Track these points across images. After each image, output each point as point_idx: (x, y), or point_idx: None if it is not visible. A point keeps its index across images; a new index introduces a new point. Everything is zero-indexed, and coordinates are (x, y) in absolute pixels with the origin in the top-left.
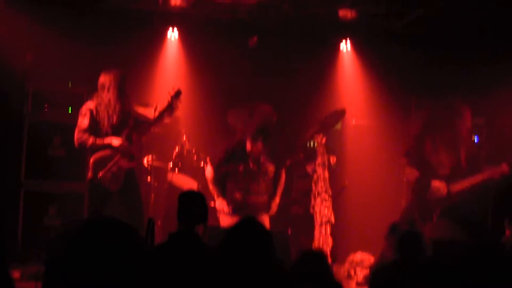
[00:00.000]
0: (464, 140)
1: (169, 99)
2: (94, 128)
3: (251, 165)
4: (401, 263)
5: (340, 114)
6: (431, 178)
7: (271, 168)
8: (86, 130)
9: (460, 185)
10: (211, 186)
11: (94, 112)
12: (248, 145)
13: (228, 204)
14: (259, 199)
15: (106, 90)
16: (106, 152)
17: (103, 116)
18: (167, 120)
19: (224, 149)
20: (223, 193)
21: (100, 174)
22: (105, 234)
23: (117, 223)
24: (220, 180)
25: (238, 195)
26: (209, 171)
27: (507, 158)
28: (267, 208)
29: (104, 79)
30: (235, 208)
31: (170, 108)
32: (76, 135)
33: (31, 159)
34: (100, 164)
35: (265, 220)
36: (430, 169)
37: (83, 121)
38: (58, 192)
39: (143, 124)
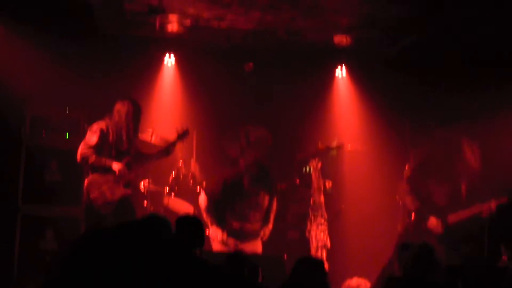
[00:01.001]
0: (464, 173)
1: (175, 137)
2: (100, 147)
3: (247, 198)
4: (415, 278)
5: (338, 148)
6: (430, 210)
7: (266, 198)
8: (92, 147)
9: (456, 217)
10: (204, 214)
11: (105, 132)
12: (246, 182)
13: (223, 232)
14: (254, 226)
15: (119, 117)
16: (101, 176)
17: (112, 139)
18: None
19: (221, 181)
20: (217, 221)
21: (92, 196)
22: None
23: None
24: (215, 208)
25: (235, 224)
26: (202, 199)
27: (501, 182)
28: (260, 234)
29: (121, 106)
30: (229, 235)
31: (173, 146)
32: (81, 149)
33: (28, 184)
34: (94, 186)
35: (258, 245)
36: (429, 199)
37: (92, 138)
38: (54, 217)
39: (144, 155)
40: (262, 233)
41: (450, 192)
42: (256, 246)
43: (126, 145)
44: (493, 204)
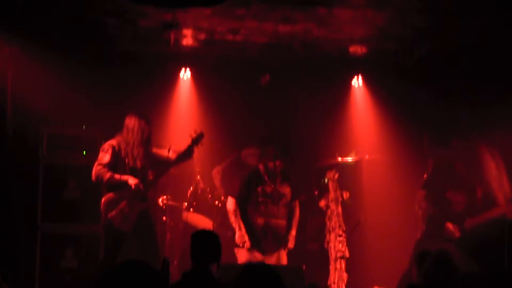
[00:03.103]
0: (481, 178)
1: (190, 142)
2: (114, 165)
3: (268, 186)
4: (434, 286)
5: (355, 160)
6: (446, 216)
7: (287, 189)
8: (105, 165)
9: (473, 222)
10: (232, 218)
11: (116, 149)
12: (262, 167)
13: (250, 237)
14: (279, 222)
15: (130, 132)
16: (118, 193)
17: (124, 155)
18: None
19: (239, 180)
20: (244, 221)
21: (110, 214)
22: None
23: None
24: (241, 212)
25: (259, 220)
26: (230, 202)
27: None
28: (285, 242)
29: (130, 121)
30: (254, 244)
31: (189, 152)
32: (95, 168)
33: (47, 202)
34: (111, 204)
35: (283, 256)
36: (446, 206)
37: (104, 156)
38: (74, 234)
39: (160, 167)
40: (286, 240)
41: (467, 198)
42: (281, 257)
43: (139, 159)
44: None
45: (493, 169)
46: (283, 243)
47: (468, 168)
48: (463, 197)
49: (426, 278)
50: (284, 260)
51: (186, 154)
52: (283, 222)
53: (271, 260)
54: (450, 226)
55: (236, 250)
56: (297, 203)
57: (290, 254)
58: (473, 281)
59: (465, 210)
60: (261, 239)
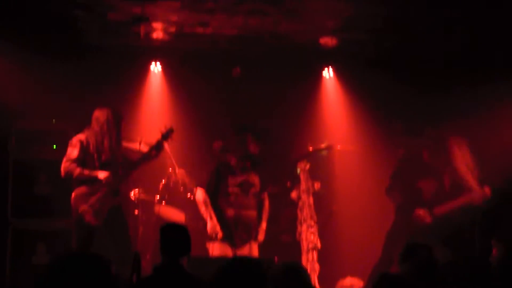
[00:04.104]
0: (448, 165)
1: (160, 137)
2: (82, 159)
3: (238, 176)
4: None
5: (328, 149)
6: (415, 203)
7: (256, 179)
8: (74, 161)
9: (442, 208)
10: (202, 208)
11: (85, 144)
12: (232, 157)
13: (221, 228)
14: (250, 213)
15: (99, 125)
16: (89, 187)
17: (93, 149)
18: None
19: (209, 170)
20: (218, 217)
21: (80, 209)
22: (76, 268)
23: (88, 257)
24: (210, 199)
25: (230, 212)
26: (199, 193)
27: (490, 178)
28: (255, 234)
29: (99, 114)
30: (225, 236)
31: (159, 146)
32: (64, 164)
33: (18, 197)
34: (82, 199)
35: (254, 248)
36: (414, 194)
37: (73, 152)
38: (45, 230)
39: (131, 161)
40: (257, 233)
41: (436, 186)
42: (252, 249)
43: (109, 154)
44: (487, 190)
45: (459, 157)
46: (254, 235)
47: (434, 156)
48: (432, 185)
49: (401, 269)
50: (255, 252)
51: (156, 149)
52: (253, 213)
53: (242, 252)
54: (420, 212)
55: (207, 242)
56: (266, 195)
57: (262, 246)
58: (450, 270)
59: (434, 197)
60: (232, 231)
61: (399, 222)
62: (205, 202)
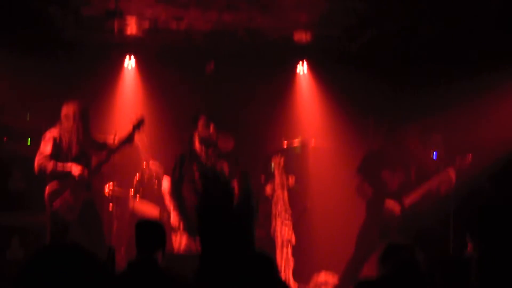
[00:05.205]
0: (412, 157)
1: (131, 128)
2: (56, 155)
3: (203, 163)
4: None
5: (302, 145)
6: (384, 196)
7: (225, 166)
8: (47, 156)
9: (411, 198)
10: (167, 198)
11: (58, 139)
12: (197, 143)
13: (183, 219)
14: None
15: (68, 120)
16: (62, 182)
17: (65, 144)
18: (127, 148)
19: (178, 158)
20: (178, 202)
21: (54, 204)
22: (60, 260)
23: (75, 249)
24: (177, 193)
25: (195, 200)
26: (165, 183)
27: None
28: None
29: (67, 109)
30: (188, 227)
31: (130, 137)
32: (37, 160)
33: None
34: (55, 194)
35: None
36: (382, 187)
37: (46, 147)
38: (19, 225)
39: (102, 153)
40: None
41: (402, 179)
42: None
43: (80, 147)
44: (451, 173)
45: (420, 149)
46: None
47: (398, 150)
48: (398, 177)
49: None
50: None
51: (127, 140)
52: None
53: None
54: (390, 203)
55: (173, 235)
56: (235, 183)
57: None
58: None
59: (401, 188)
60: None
61: (370, 217)
62: (169, 192)
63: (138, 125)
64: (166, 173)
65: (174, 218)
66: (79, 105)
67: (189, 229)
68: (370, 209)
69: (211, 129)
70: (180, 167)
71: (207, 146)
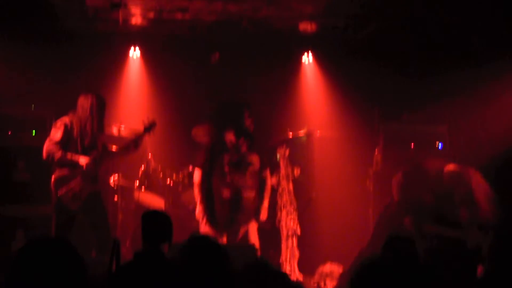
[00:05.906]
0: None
1: (142, 130)
2: (65, 143)
3: (234, 155)
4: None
5: (307, 135)
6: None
7: (255, 158)
8: (57, 143)
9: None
10: (196, 190)
11: (69, 127)
12: (230, 135)
13: (207, 212)
14: (247, 193)
15: (83, 111)
16: (68, 171)
17: (77, 134)
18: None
19: (203, 151)
20: (206, 200)
21: (59, 192)
22: (42, 255)
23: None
24: (206, 185)
25: (226, 193)
26: (197, 174)
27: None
28: (256, 214)
29: (85, 100)
30: (213, 220)
31: (140, 139)
32: (46, 146)
33: None
34: (61, 182)
35: (253, 230)
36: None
37: (56, 134)
38: (24, 216)
39: (111, 151)
40: (258, 212)
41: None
42: (250, 231)
43: (91, 139)
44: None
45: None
46: (251, 216)
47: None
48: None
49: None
50: (254, 234)
51: (136, 142)
52: (251, 194)
53: (238, 235)
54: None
55: (200, 225)
56: (267, 173)
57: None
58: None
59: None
60: (227, 212)
61: (399, 203)
62: (199, 184)
63: (149, 128)
64: (197, 165)
65: (199, 210)
66: (98, 98)
67: (212, 222)
68: (401, 194)
69: (250, 121)
70: (210, 159)
71: (245, 137)
